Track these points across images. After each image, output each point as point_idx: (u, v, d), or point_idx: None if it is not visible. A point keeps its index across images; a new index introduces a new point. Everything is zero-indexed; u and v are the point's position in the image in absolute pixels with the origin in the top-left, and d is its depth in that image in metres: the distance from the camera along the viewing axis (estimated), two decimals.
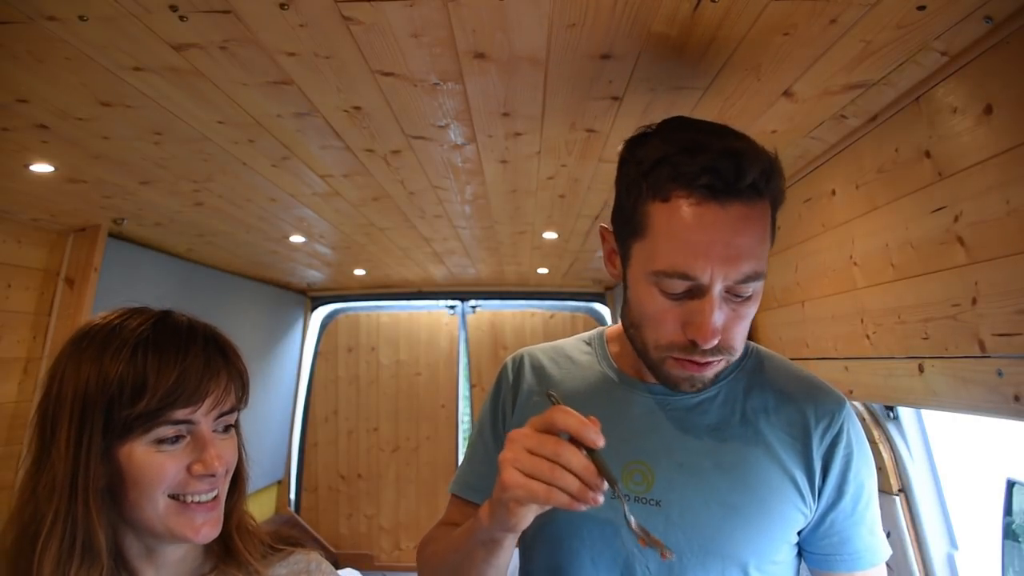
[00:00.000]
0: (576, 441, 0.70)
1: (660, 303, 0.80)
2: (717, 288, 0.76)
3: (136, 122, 1.38)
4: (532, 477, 0.69)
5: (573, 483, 0.68)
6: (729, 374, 0.92)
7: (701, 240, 0.75)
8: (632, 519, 0.73)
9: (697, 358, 0.80)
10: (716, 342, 0.78)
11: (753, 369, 0.93)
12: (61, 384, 0.75)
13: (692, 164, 0.75)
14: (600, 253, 0.93)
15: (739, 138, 0.80)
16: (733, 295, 0.78)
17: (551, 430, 0.71)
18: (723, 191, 0.75)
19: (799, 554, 0.91)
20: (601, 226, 0.92)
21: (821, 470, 0.86)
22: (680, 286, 0.77)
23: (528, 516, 0.74)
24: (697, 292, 0.77)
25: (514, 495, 0.71)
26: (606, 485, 0.70)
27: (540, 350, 1.05)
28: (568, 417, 0.70)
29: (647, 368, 0.88)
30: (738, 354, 0.83)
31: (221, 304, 3.48)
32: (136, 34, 1.00)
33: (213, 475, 0.76)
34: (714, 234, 0.75)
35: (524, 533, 0.95)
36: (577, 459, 0.68)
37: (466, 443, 4.93)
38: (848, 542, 0.87)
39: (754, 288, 0.79)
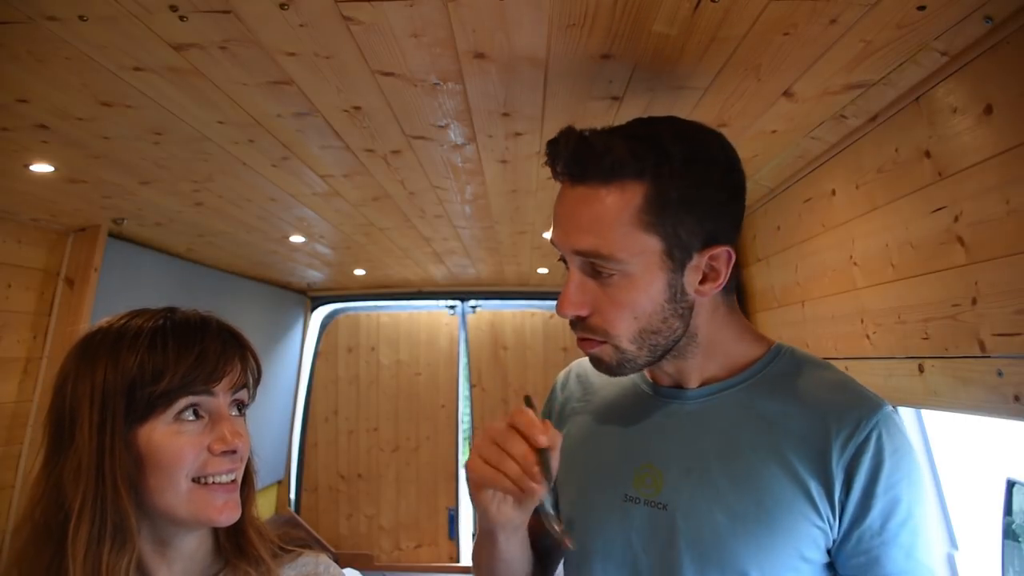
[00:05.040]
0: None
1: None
2: (573, 261, 0.83)
3: (136, 122, 1.38)
4: (487, 463, 0.79)
5: (513, 469, 0.77)
6: (748, 379, 0.89)
7: (556, 213, 0.85)
8: (549, 509, 0.81)
9: (576, 333, 0.86)
10: (569, 314, 0.83)
11: (779, 374, 0.89)
12: (76, 380, 0.75)
13: (551, 152, 0.83)
14: None
15: (617, 127, 0.85)
16: (597, 272, 0.82)
17: (512, 427, 0.80)
18: (571, 174, 0.82)
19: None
20: None
21: (843, 482, 0.80)
22: (559, 255, 0.86)
23: (496, 507, 0.83)
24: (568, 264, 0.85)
25: (470, 477, 0.81)
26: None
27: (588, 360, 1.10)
28: (521, 416, 0.79)
29: None
30: (623, 342, 0.84)
31: (221, 304, 3.45)
32: (136, 34, 1.00)
33: (234, 451, 0.77)
34: (561, 208, 0.84)
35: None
36: (519, 448, 0.78)
37: (466, 444, 4.94)
38: (876, 564, 0.79)
39: (612, 269, 0.81)
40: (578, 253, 0.82)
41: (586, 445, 0.97)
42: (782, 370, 0.89)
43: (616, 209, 0.79)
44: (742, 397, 0.88)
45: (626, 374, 0.88)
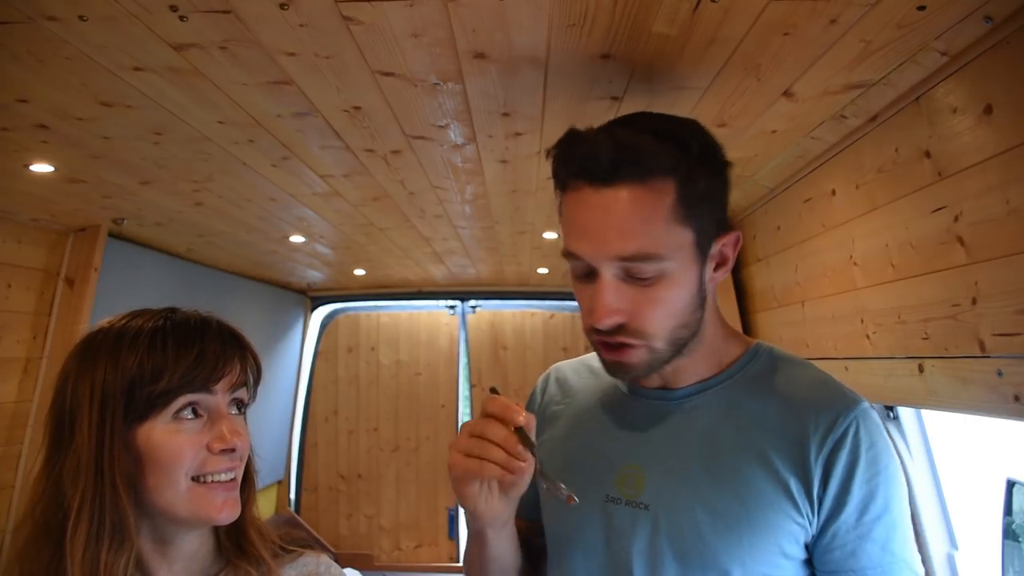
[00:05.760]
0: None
1: (577, 287, 0.86)
2: (608, 269, 0.80)
3: (136, 122, 1.38)
4: (469, 456, 0.79)
5: (498, 454, 0.77)
6: (728, 378, 0.90)
7: (581, 222, 0.81)
8: (543, 480, 0.81)
9: (607, 339, 0.83)
10: (609, 323, 0.80)
11: (759, 373, 0.91)
12: (76, 380, 0.76)
13: (572, 156, 0.82)
14: None
15: (625, 124, 0.84)
16: (633, 277, 0.80)
17: (487, 416, 0.80)
18: (596, 177, 0.80)
19: (810, 572, 0.85)
20: None
21: (821, 478, 0.81)
22: (579, 267, 0.83)
23: (484, 502, 0.82)
24: (593, 274, 0.82)
25: (454, 474, 0.80)
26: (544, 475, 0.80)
27: (567, 364, 1.09)
28: (494, 402, 0.80)
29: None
30: (659, 342, 0.83)
31: (221, 304, 3.46)
32: (136, 34, 1.00)
33: (233, 450, 0.78)
34: (591, 215, 0.80)
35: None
36: (499, 431, 0.78)
37: None
38: (852, 558, 0.81)
39: (654, 270, 0.80)
40: (623, 259, 0.79)
41: (567, 448, 0.97)
42: (761, 369, 0.91)
43: (657, 207, 0.80)
44: (722, 397, 0.89)
45: (646, 375, 0.88)
